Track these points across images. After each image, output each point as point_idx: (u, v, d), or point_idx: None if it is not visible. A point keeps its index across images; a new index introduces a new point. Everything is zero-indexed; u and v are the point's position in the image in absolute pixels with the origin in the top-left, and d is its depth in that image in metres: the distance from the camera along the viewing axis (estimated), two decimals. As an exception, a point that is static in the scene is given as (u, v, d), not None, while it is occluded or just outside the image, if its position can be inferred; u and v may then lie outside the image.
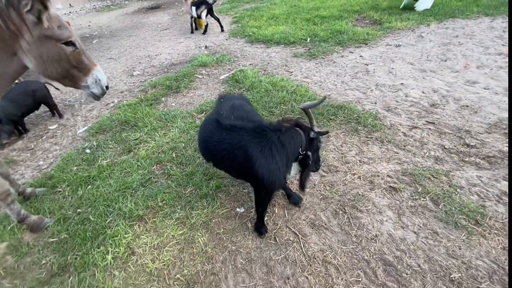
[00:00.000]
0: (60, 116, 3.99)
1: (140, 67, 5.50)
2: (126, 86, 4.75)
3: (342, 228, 1.98)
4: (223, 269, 1.83)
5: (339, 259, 1.79)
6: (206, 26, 6.95)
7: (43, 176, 2.86)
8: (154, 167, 2.77)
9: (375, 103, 3.40)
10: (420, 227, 1.92)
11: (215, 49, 5.92)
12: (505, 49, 4.25)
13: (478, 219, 1.91)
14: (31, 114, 3.87)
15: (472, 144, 2.61)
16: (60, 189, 2.64)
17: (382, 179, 2.31)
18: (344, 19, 6.38)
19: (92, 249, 2.01)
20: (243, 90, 3.96)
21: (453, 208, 1.99)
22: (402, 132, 2.85)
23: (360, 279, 1.68)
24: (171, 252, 1.96)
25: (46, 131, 3.74)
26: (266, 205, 1.91)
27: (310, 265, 1.78)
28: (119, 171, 2.74)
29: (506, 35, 4.66)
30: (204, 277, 1.79)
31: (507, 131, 2.73)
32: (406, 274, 1.67)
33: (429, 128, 2.88)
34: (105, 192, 2.50)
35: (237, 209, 2.22)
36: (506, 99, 3.17)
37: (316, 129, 1.79)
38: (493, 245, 1.77)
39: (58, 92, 4.83)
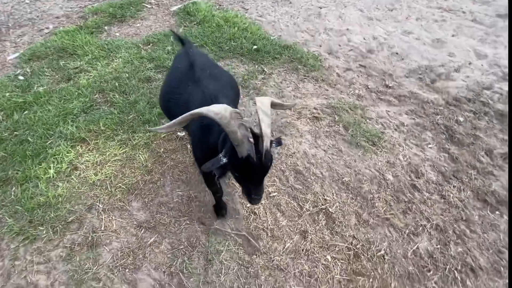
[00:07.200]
0: (-17, 39, 3.53)
1: (79, -10, 4.83)
2: (62, 11, 4.23)
3: (268, 148, 2.33)
4: (161, 179, 2.10)
5: (261, 170, 2.16)
6: None
7: (-30, 101, 2.68)
8: (96, 96, 2.76)
9: (320, 46, 3.59)
10: (329, 146, 2.34)
11: (168, -23, 5.35)
12: (445, 4, 4.57)
13: (375, 141, 2.38)
14: None
15: (390, 85, 3.01)
16: (-7, 114, 2.55)
17: (309, 110, 2.65)
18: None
19: (34, 166, 2.11)
20: (194, 24, 3.83)
21: (359, 133, 2.43)
22: (337, 73, 3.15)
23: (275, 183, 2.08)
24: (113, 167, 2.15)
25: (-33, 56, 3.34)
26: None
27: (237, 175, 2.13)
28: (58, 98, 2.69)
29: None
30: (144, 185, 2.05)
31: (421, 76, 3.17)
32: (311, 179, 2.11)
33: (360, 71, 3.20)
34: (43, 117, 2.49)
35: (178, 133, 2.42)
36: (430, 49, 3.58)
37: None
38: (380, 159, 2.27)
39: (-23, 11, 4.15)
